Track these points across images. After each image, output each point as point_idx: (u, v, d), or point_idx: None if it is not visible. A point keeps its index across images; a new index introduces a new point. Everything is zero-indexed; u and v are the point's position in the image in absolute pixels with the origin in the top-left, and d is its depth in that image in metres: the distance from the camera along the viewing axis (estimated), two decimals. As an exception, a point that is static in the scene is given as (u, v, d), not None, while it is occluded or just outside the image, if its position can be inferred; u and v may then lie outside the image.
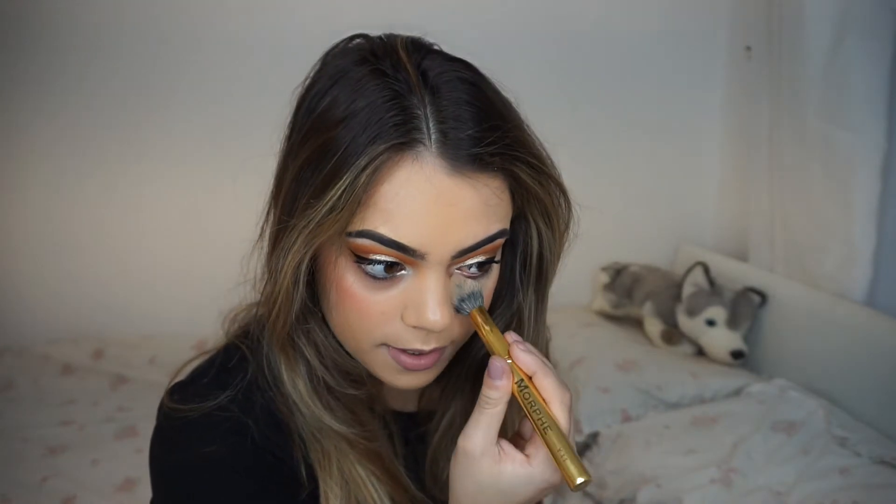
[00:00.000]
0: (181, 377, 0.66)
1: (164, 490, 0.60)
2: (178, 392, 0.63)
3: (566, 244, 0.64)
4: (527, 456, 0.53)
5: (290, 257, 0.55)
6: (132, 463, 1.47)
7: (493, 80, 0.58)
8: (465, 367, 0.68)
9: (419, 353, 0.58)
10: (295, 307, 0.58)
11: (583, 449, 1.62)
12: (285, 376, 0.62)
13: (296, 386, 0.62)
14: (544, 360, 0.55)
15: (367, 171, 0.51)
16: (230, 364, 0.64)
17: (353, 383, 0.63)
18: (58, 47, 1.87)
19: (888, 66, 1.53)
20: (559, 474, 0.53)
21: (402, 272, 0.55)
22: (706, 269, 1.86)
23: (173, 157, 1.99)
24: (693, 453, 1.43)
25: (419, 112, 0.52)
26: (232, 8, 1.92)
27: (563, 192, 0.61)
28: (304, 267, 0.56)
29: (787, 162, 1.78)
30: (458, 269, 0.56)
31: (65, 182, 1.96)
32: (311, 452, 0.62)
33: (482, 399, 0.54)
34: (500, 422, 0.54)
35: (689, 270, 1.89)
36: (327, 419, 0.62)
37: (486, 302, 0.59)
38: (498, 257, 0.59)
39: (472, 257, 0.56)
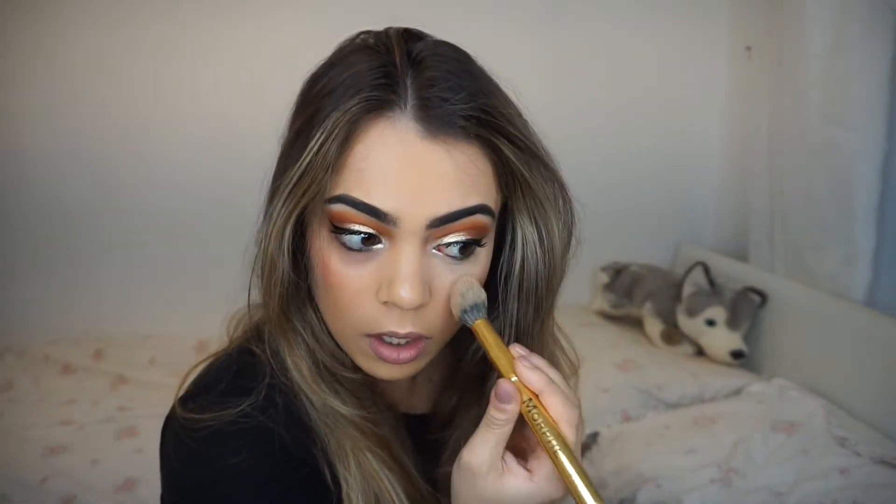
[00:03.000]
0: (189, 383, 0.64)
1: (189, 502, 0.58)
2: (194, 401, 0.60)
3: (571, 250, 0.61)
4: (529, 471, 0.52)
5: (273, 222, 0.55)
6: (132, 463, 1.47)
7: (487, 69, 0.58)
8: (474, 367, 0.67)
9: (398, 346, 0.56)
10: (282, 277, 0.57)
11: (582, 449, 1.62)
12: (289, 361, 0.61)
13: (299, 369, 0.61)
14: (552, 375, 0.53)
15: (341, 127, 0.51)
16: (246, 368, 0.63)
17: (348, 368, 0.62)
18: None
19: (888, 66, 1.52)
20: (562, 490, 0.51)
21: (378, 245, 0.54)
22: (706, 269, 1.86)
23: (173, 153, 1.99)
24: (693, 453, 1.43)
25: (399, 79, 0.53)
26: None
27: (561, 185, 0.59)
28: (287, 233, 0.56)
29: (787, 162, 1.77)
30: (437, 247, 0.55)
31: (65, 178, 1.96)
32: (329, 447, 0.61)
33: (489, 418, 0.51)
34: (507, 439, 0.52)
35: (689, 270, 1.89)
36: (332, 401, 0.61)
37: None
38: (485, 242, 0.57)
39: (451, 232, 0.54)
